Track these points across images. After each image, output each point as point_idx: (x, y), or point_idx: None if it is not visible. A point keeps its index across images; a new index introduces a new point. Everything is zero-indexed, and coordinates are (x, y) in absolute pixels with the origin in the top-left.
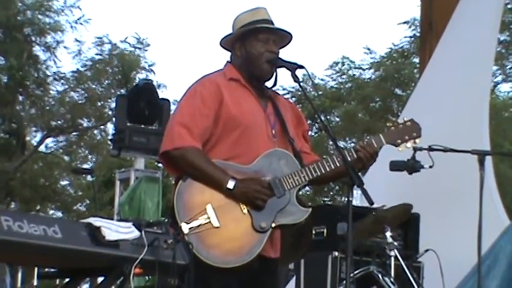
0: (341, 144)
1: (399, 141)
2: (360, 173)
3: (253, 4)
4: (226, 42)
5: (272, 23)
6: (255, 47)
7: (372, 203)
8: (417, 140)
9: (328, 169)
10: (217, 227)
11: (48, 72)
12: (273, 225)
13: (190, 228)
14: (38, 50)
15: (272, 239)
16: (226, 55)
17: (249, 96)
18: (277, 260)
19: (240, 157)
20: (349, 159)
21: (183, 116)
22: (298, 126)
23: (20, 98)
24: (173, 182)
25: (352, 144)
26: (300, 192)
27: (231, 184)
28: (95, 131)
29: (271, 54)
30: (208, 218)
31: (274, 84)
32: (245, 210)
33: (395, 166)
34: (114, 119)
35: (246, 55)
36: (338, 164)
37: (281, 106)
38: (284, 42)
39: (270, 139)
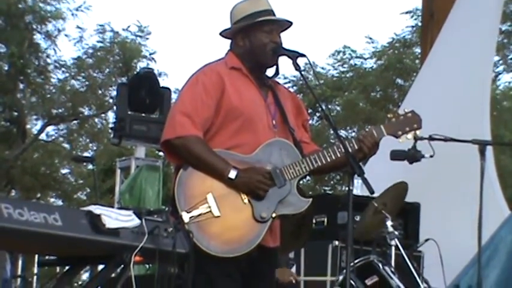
0: (342, 133)
1: (400, 132)
2: (360, 163)
3: None
4: (227, 32)
5: (273, 12)
6: (259, 38)
7: (372, 192)
8: (418, 132)
9: (329, 159)
10: (218, 216)
11: (49, 60)
12: (274, 215)
13: (190, 217)
14: (39, 38)
15: (272, 228)
16: (227, 43)
17: (250, 86)
18: (276, 249)
19: (241, 147)
20: (350, 149)
21: (185, 105)
22: (298, 116)
23: (21, 86)
24: (174, 170)
25: (354, 134)
26: (301, 182)
27: (232, 174)
28: (96, 119)
29: (275, 44)
30: (209, 207)
31: (276, 74)
32: (246, 200)
33: (396, 155)
34: (114, 107)
35: (250, 46)
36: (339, 154)
37: (281, 95)
38: (283, 28)
39: (271, 129)
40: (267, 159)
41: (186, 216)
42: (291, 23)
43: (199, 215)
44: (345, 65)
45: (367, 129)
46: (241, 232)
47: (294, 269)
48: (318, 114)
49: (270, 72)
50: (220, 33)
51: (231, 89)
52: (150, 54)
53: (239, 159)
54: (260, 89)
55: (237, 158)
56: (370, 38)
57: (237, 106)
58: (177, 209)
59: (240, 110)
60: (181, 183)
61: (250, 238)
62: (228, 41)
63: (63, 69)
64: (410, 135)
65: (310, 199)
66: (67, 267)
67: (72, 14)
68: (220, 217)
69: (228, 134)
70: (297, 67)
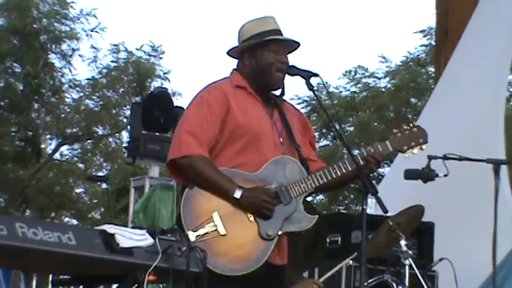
0: (355, 153)
1: (405, 147)
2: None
3: (269, 13)
4: (235, 51)
5: (280, 32)
6: (266, 57)
7: (386, 211)
8: (423, 146)
9: (334, 176)
10: (224, 235)
11: (63, 80)
12: (280, 232)
13: (197, 236)
14: (53, 58)
15: (279, 246)
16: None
17: (255, 104)
18: (284, 267)
19: (247, 165)
20: (350, 167)
21: (190, 124)
22: (305, 133)
23: (36, 105)
24: (179, 190)
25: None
26: (314, 201)
27: (237, 194)
28: (110, 139)
29: (282, 65)
30: (215, 225)
31: (283, 94)
32: (251, 218)
33: (410, 175)
34: (129, 126)
35: (256, 65)
36: (344, 171)
37: (287, 113)
38: (291, 49)
39: (277, 146)
40: (273, 177)
41: (192, 235)
42: (298, 44)
43: (206, 233)
44: (358, 85)
45: (373, 146)
46: (247, 250)
47: None
48: (331, 133)
49: (277, 92)
50: (228, 52)
51: (236, 107)
52: (164, 73)
53: (245, 177)
54: (266, 107)
55: (242, 176)
56: (384, 57)
57: (243, 124)
58: (183, 228)
59: (245, 128)
60: (187, 203)
61: (256, 256)
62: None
63: (77, 88)
64: (416, 150)
65: (317, 216)
66: (81, 287)
67: (87, 35)
68: (227, 235)
69: (234, 152)
70: (310, 87)
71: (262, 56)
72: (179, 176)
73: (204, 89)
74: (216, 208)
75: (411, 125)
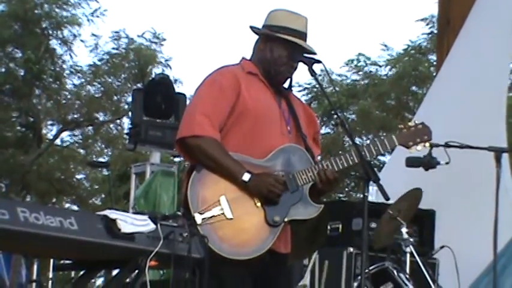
0: (357, 141)
1: (411, 143)
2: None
3: (271, 2)
4: (256, 30)
5: (306, 35)
6: (281, 55)
7: (387, 199)
8: (427, 144)
9: (341, 166)
10: (231, 219)
11: (64, 66)
12: (286, 219)
13: (203, 219)
14: (54, 44)
15: (283, 234)
16: (243, 51)
17: (265, 91)
18: (287, 255)
19: (251, 149)
20: (357, 159)
21: (204, 105)
22: (310, 125)
23: (37, 91)
24: (186, 171)
25: (368, 142)
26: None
27: (246, 176)
28: (111, 125)
29: (292, 69)
30: (222, 209)
31: (290, 87)
32: (259, 204)
33: (411, 162)
34: (130, 113)
35: (270, 55)
36: (351, 162)
37: (294, 103)
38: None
39: (285, 134)
40: (280, 164)
41: (198, 218)
42: (315, 54)
43: (212, 217)
44: (360, 73)
45: (377, 139)
46: (253, 235)
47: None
48: (333, 122)
49: (285, 84)
50: (251, 26)
51: (246, 92)
52: (166, 60)
53: (252, 163)
54: (275, 95)
55: (250, 161)
56: (385, 45)
57: (251, 108)
58: (189, 210)
59: (254, 113)
60: (194, 185)
61: (262, 242)
62: (242, 48)
63: (78, 74)
64: (420, 147)
65: (322, 205)
66: (82, 272)
67: (88, 20)
68: (233, 220)
69: (240, 135)
70: (312, 73)
71: (278, 51)
72: (188, 156)
73: (216, 70)
74: (223, 192)
75: (416, 121)
